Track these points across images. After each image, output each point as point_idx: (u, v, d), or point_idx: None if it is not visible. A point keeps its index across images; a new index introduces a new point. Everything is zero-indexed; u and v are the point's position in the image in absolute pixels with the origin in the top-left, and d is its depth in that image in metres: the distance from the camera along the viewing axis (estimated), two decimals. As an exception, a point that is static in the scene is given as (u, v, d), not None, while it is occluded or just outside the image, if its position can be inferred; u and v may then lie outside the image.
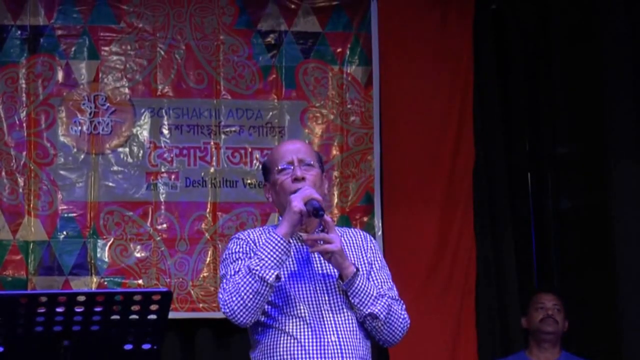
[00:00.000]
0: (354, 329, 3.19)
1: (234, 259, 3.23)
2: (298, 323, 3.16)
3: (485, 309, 5.58)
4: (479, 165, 5.66)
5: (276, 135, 5.43)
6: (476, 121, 5.67)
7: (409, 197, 5.52)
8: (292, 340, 3.15)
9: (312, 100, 5.50)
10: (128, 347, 3.15)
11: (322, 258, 3.20)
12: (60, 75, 5.30)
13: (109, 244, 5.22)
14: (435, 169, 5.59)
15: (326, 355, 3.12)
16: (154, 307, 3.07)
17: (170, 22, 5.42)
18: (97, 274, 5.18)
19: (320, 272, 3.24)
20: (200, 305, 5.23)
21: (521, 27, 5.89)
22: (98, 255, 5.19)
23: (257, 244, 3.23)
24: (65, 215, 5.20)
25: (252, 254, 3.17)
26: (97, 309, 3.03)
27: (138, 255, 5.24)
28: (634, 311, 5.24)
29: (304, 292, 3.20)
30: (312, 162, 3.28)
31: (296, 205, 3.10)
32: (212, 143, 5.38)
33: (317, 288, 3.21)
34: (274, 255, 3.09)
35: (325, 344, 3.13)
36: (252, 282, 3.07)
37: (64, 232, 5.19)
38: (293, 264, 3.23)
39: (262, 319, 3.19)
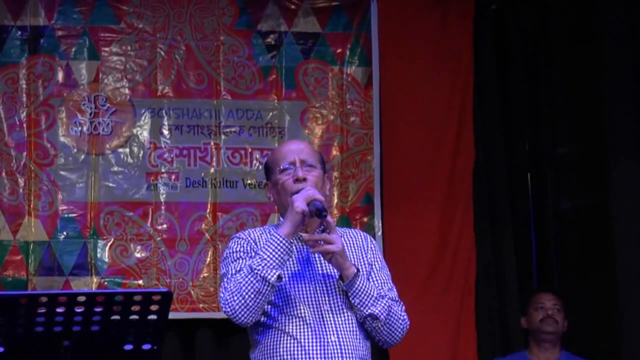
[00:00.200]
0: (354, 329, 3.19)
1: (235, 258, 3.23)
2: (298, 323, 3.16)
3: (485, 309, 5.58)
4: (479, 165, 5.67)
5: (276, 136, 5.43)
6: (476, 121, 5.68)
7: (409, 197, 5.52)
8: (292, 341, 3.15)
9: (312, 101, 5.50)
10: (128, 347, 3.16)
11: (322, 258, 3.20)
12: (60, 76, 5.30)
13: (109, 244, 5.22)
14: (435, 169, 5.59)
15: (326, 356, 3.12)
16: (154, 307, 3.08)
17: (171, 23, 5.42)
18: (97, 275, 5.18)
19: (320, 272, 3.24)
20: (201, 305, 5.24)
21: (521, 27, 5.89)
22: (98, 255, 5.20)
23: (258, 244, 3.23)
24: (66, 215, 5.21)
25: (253, 254, 3.18)
26: (98, 309, 3.03)
27: (138, 255, 5.24)
28: (634, 311, 5.24)
29: (305, 292, 3.20)
30: (314, 163, 3.29)
31: (299, 205, 3.10)
32: (212, 143, 5.39)
33: (318, 288, 3.21)
34: (276, 255, 3.09)
35: (326, 344, 3.13)
36: (254, 281, 3.08)
37: (64, 233, 5.19)
38: (294, 264, 3.23)
39: (262, 319, 3.19)
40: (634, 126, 5.39)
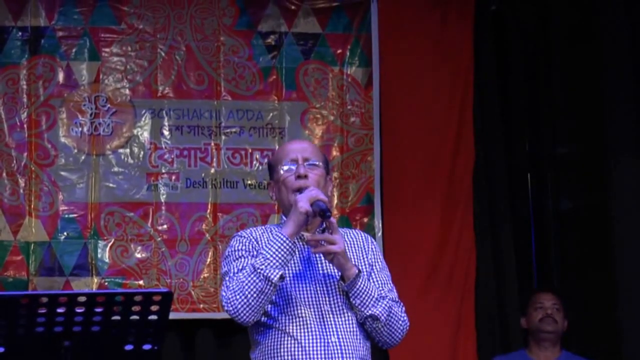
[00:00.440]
0: (355, 329, 3.20)
1: (237, 256, 3.22)
2: (299, 323, 3.17)
3: (485, 308, 5.58)
4: (479, 165, 5.67)
5: (276, 136, 5.43)
6: (476, 121, 5.68)
7: (409, 198, 5.52)
8: (292, 341, 3.15)
9: (313, 101, 5.51)
10: (129, 347, 3.16)
11: (323, 258, 3.20)
12: (61, 77, 5.31)
13: (109, 244, 5.22)
14: (435, 169, 5.60)
15: (327, 356, 3.12)
16: (154, 307, 3.08)
17: (171, 23, 5.43)
18: (97, 275, 5.19)
19: (321, 272, 3.24)
20: (201, 305, 5.24)
21: (521, 27, 5.89)
22: (99, 256, 5.20)
23: (260, 243, 3.23)
24: (66, 216, 5.21)
25: (255, 252, 3.18)
26: (98, 310, 3.04)
27: (139, 255, 5.24)
28: (634, 311, 5.24)
29: (305, 292, 3.20)
30: (317, 162, 3.29)
31: (302, 205, 3.10)
32: (212, 144, 5.39)
33: (318, 289, 3.21)
34: (279, 255, 3.09)
35: (326, 344, 3.14)
36: (257, 281, 3.07)
37: (65, 233, 5.20)
38: (295, 264, 3.23)
39: (263, 319, 3.19)
40: (634, 126, 5.39)
